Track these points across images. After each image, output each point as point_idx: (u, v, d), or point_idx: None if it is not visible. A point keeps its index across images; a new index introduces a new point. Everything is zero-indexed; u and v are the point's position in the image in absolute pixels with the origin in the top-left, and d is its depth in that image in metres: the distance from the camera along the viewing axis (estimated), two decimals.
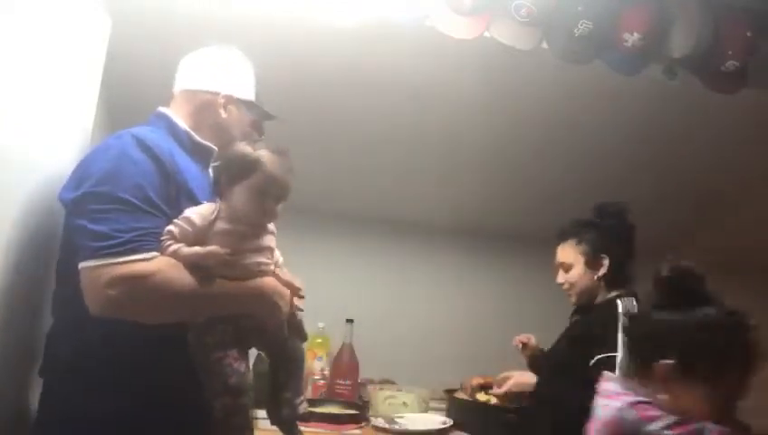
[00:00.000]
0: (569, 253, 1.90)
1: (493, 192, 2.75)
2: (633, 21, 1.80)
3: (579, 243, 1.89)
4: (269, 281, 1.18)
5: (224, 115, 1.30)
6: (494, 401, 2.17)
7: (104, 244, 1.03)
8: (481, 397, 2.21)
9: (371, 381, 2.52)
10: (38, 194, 1.41)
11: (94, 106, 1.75)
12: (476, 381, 2.28)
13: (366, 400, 2.35)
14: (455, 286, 3.02)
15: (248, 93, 1.33)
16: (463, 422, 2.13)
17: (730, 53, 1.86)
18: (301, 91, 1.60)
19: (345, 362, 2.37)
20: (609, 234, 1.85)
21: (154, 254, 1.06)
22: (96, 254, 1.04)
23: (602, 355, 1.63)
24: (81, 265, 1.06)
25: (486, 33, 1.81)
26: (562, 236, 1.93)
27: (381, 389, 2.34)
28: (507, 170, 2.63)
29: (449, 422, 2.12)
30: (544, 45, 1.85)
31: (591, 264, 1.85)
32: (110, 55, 1.76)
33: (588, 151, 2.50)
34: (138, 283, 1.03)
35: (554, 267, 1.95)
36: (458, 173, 2.65)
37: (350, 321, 2.43)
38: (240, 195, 1.14)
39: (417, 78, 2.11)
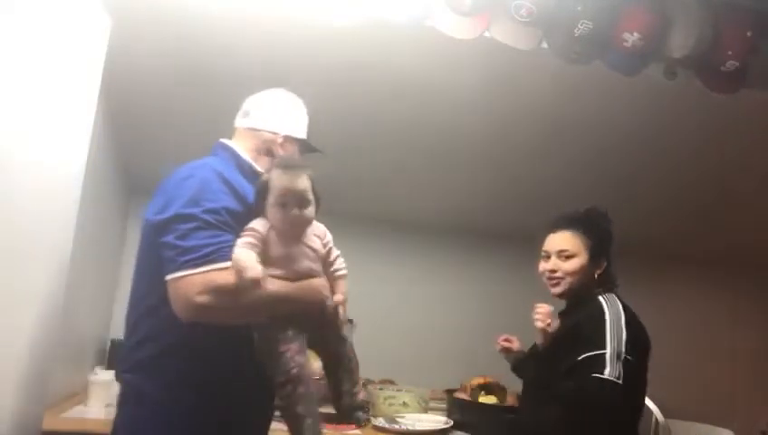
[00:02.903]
0: (573, 242, 1.80)
1: (493, 192, 2.75)
2: (633, 21, 1.80)
3: (587, 236, 1.81)
4: (319, 281, 1.35)
5: (281, 152, 1.47)
6: (494, 400, 2.17)
7: (190, 257, 1.19)
8: (482, 397, 2.21)
9: (371, 381, 2.51)
10: (40, 194, 1.41)
11: (94, 106, 1.75)
12: (476, 381, 2.28)
13: (366, 400, 2.34)
14: (455, 286, 3.02)
15: (302, 132, 1.52)
16: (463, 422, 2.13)
17: (730, 53, 1.85)
18: (300, 91, 1.61)
19: None
20: (608, 237, 1.83)
21: (230, 263, 1.21)
22: (183, 266, 1.19)
23: (589, 353, 1.61)
24: (170, 276, 1.20)
25: (486, 33, 1.81)
26: (566, 224, 1.83)
27: (381, 389, 2.34)
28: (508, 170, 2.63)
29: (449, 422, 2.12)
30: (544, 45, 1.85)
31: (596, 260, 1.80)
32: (110, 55, 1.76)
33: (588, 151, 2.50)
34: (222, 289, 1.19)
35: (542, 255, 1.86)
36: (459, 173, 2.65)
37: (350, 321, 2.43)
38: (268, 211, 1.31)
39: (417, 78, 2.11)
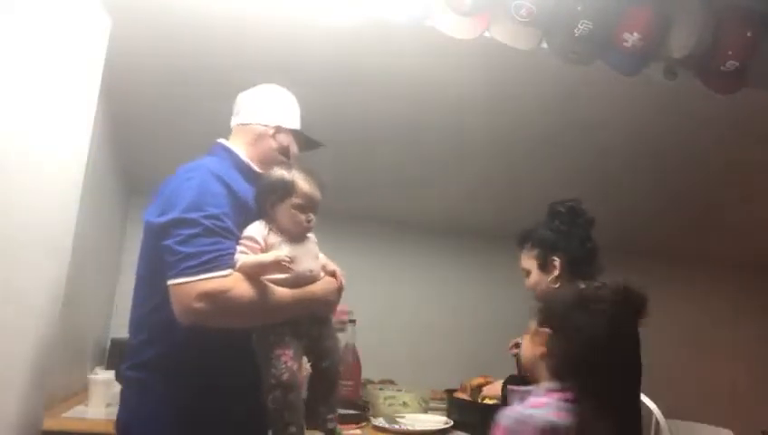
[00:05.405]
0: (525, 259, 1.89)
1: (493, 192, 2.75)
2: (633, 21, 1.80)
3: (531, 248, 1.87)
4: (320, 285, 1.39)
5: (274, 144, 1.48)
6: (493, 401, 2.16)
7: (190, 263, 1.20)
8: (482, 398, 2.20)
9: (371, 382, 2.51)
10: (40, 193, 1.41)
11: (94, 106, 1.75)
12: (476, 381, 2.28)
13: (366, 400, 2.35)
14: (455, 286, 3.01)
15: (294, 123, 1.51)
16: (463, 422, 2.13)
17: (730, 53, 1.86)
18: (300, 92, 1.62)
19: (348, 363, 2.36)
20: (558, 235, 1.83)
21: (230, 271, 1.23)
22: (184, 272, 1.20)
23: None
24: (171, 281, 1.21)
25: (486, 33, 1.81)
26: (519, 243, 1.91)
27: (381, 389, 2.34)
28: (508, 170, 2.63)
29: (449, 422, 2.12)
30: (544, 45, 1.85)
31: (544, 267, 1.84)
32: (110, 55, 1.76)
33: (587, 151, 2.50)
34: (219, 296, 1.20)
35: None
36: (459, 173, 2.65)
37: (352, 321, 2.43)
38: (284, 212, 1.34)
39: (416, 78, 2.11)
